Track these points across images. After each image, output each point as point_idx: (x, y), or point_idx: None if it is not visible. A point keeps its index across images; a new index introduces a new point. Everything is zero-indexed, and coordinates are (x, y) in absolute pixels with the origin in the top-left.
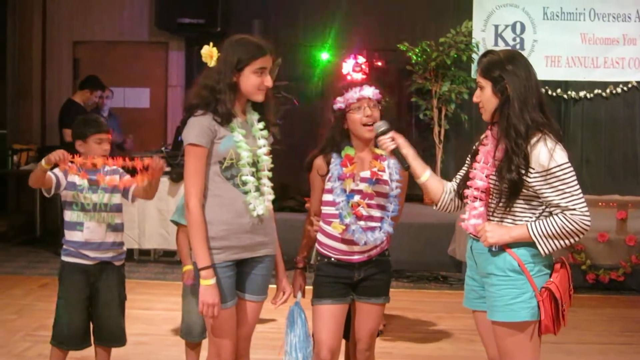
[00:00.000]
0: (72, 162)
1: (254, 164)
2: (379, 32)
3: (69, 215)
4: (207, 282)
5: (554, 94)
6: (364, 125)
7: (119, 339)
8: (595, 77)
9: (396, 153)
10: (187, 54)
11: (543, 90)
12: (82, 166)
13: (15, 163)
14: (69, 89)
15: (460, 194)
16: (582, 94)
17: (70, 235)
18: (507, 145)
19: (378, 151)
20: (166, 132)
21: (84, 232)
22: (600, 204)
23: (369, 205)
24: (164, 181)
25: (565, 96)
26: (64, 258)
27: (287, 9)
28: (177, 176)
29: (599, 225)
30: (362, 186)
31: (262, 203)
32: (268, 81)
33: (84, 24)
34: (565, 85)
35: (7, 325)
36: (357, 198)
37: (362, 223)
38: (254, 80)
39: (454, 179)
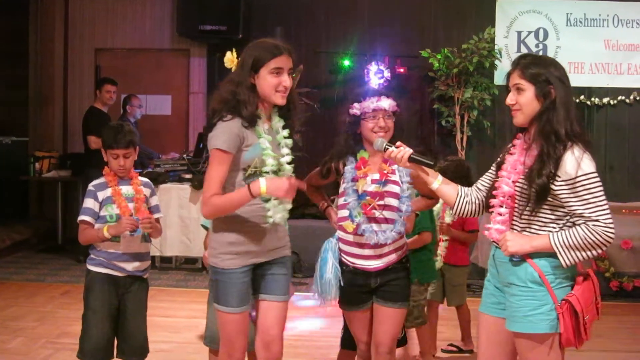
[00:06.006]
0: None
1: (276, 172)
2: (401, 38)
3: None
4: (262, 187)
5: (577, 100)
6: (375, 132)
7: (144, 352)
8: (619, 84)
9: (414, 158)
10: (209, 60)
11: None
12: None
13: (37, 170)
14: (91, 97)
15: (487, 204)
16: (605, 100)
17: (103, 246)
18: (543, 149)
19: None
20: (188, 139)
21: (122, 244)
22: (623, 210)
23: (381, 207)
24: (186, 188)
25: (588, 102)
26: (93, 268)
27: (309, 16)
28: (198, 183)
29: (622, 232)
30: (372, 187)
31: (280, 212)
32: (286, 81)
33: (105, 31)
34: (589, 91)
35: (28, 333)
36: (368, 198)
37: (375, 226)
38: (271, 81)
39: (474, 185)
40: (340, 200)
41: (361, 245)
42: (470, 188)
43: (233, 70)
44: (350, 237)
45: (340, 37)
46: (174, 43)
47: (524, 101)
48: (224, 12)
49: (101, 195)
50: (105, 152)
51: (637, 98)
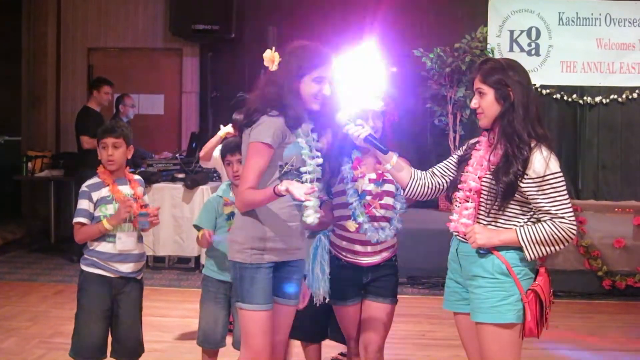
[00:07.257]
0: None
1: (310, 173)
2: (394, 37)
3: None
4: (282, 188)
5: (570, 99)
6: None
7: (137, 353)
8: (611, 83)
9: (370, 140)
10: (202, 60)
11: (559, 95)
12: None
13: (29, 170)
14: (84, 96)
15: (449, 197)
16: (597, 99)
17: (97, 246)
18: (509, 150)
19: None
20: (180, 139)
21: (117, 244)
22: (616, 209)
23: (381, 206)
24: (179, 188)
25: (581, 102)
26: (87, 268)
27: (302, 16)
28: (191, 183)
29: (615, 231)
30: (371, 187)
31: (315, 213)
32: (327, 90)
33: (98, 31)
34: (581, 90)
35: (21, 333)
36: (368, 198)
37: (375, 224)
38: (313, 88)
39: (430, 170)
40: (339, 200)
41: (362, 243)
42: (424, 172)
43: (272, 69)
44: (351, 235)
45: (332, 37)
46: (166, 42)
47: (486, 105)
48: (216, 11)
49: (95, 195)
50: (98, 146)
51: (630, 97)
